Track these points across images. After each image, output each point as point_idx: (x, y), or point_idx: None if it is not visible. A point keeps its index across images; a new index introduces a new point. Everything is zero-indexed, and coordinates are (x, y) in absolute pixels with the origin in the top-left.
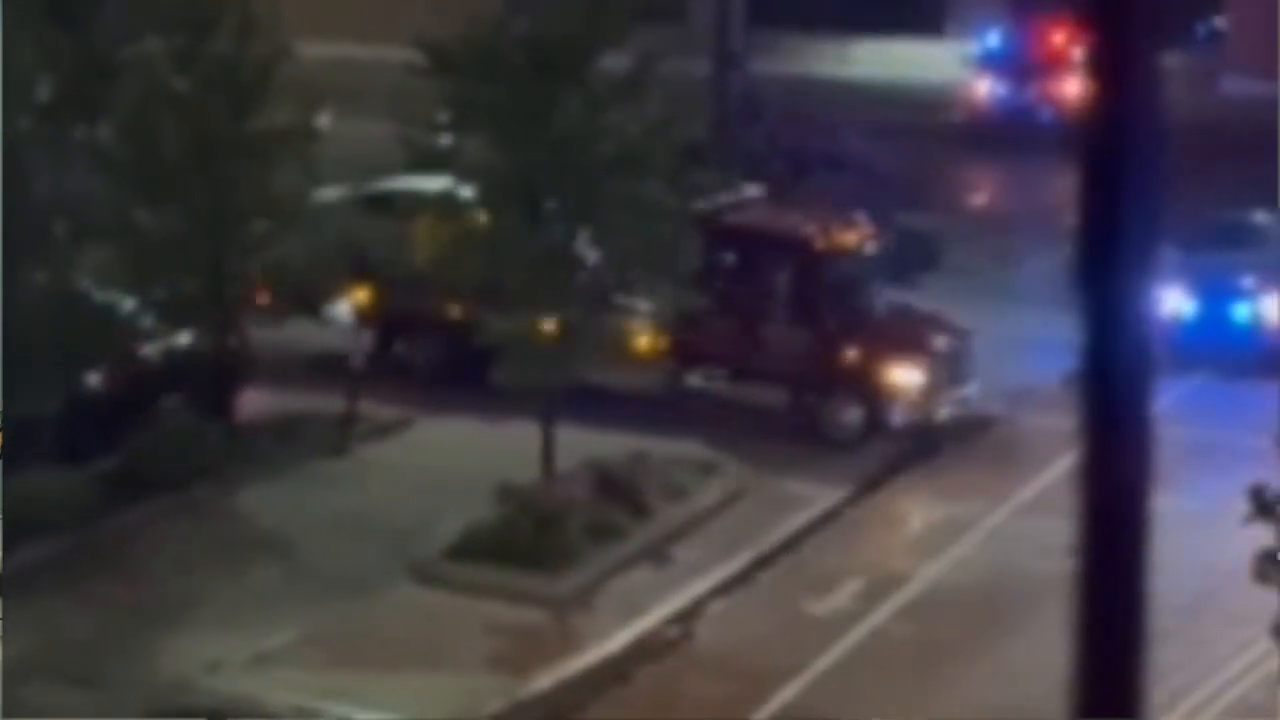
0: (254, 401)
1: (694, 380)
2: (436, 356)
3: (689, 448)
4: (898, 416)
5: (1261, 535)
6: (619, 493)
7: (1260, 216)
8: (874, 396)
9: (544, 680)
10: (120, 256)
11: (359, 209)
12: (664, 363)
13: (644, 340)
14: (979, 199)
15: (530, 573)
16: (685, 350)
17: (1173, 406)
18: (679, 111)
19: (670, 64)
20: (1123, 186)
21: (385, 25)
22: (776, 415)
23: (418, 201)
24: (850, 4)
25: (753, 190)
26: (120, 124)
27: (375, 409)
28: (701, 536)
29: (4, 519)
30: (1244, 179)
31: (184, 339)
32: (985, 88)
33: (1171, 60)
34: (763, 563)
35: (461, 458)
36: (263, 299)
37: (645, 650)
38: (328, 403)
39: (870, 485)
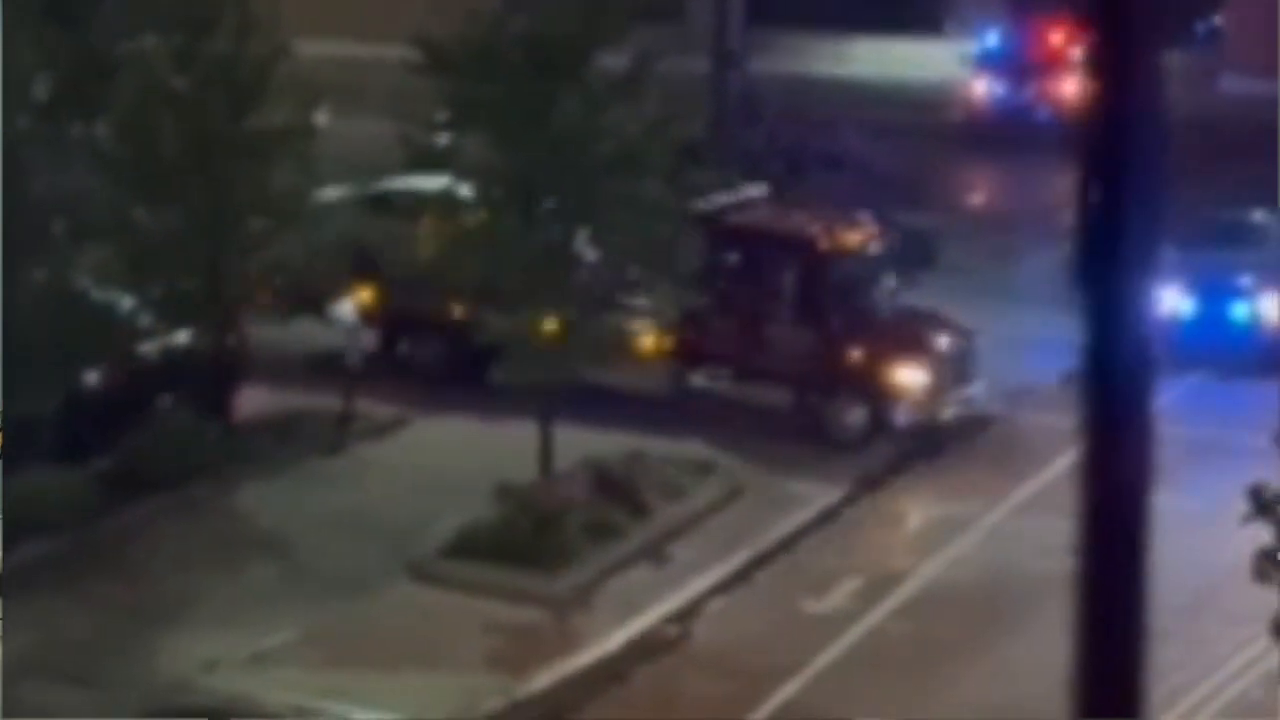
0: (252, 400)
1: (698, 380)
2: (440, 356)
3: (688, 447)
4: (902, 417)
5: (1260, 534)
6: (617, 492)
7: (1259, 215)
8: (878, 397)
9: (542, 679)
10: (119, 255)
11: (363, 208)
12: (668, 363)
13: (648, 340)
14: (977, 198)
15: (528, 572)
16: (689, 350)
17: (1171, 406)
18: (677, 110)
19: (669, 63)
20: (1124, 185)
21: (384, 24)
22: (780, 416)
23: (417, 201)
24: (849, 3)
25: (756, 190)
26: (119, 123)
27: (374, 408)
28: (700, 536)
29: (3, 518)
30: (1243, 178)
31: (182, 338)
32: (983, 87)
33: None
34: (761, 562)
35: (460, 457)
36: (266, 298)
37: (643, 649)
38: (326, 402)
39: (869, 484)
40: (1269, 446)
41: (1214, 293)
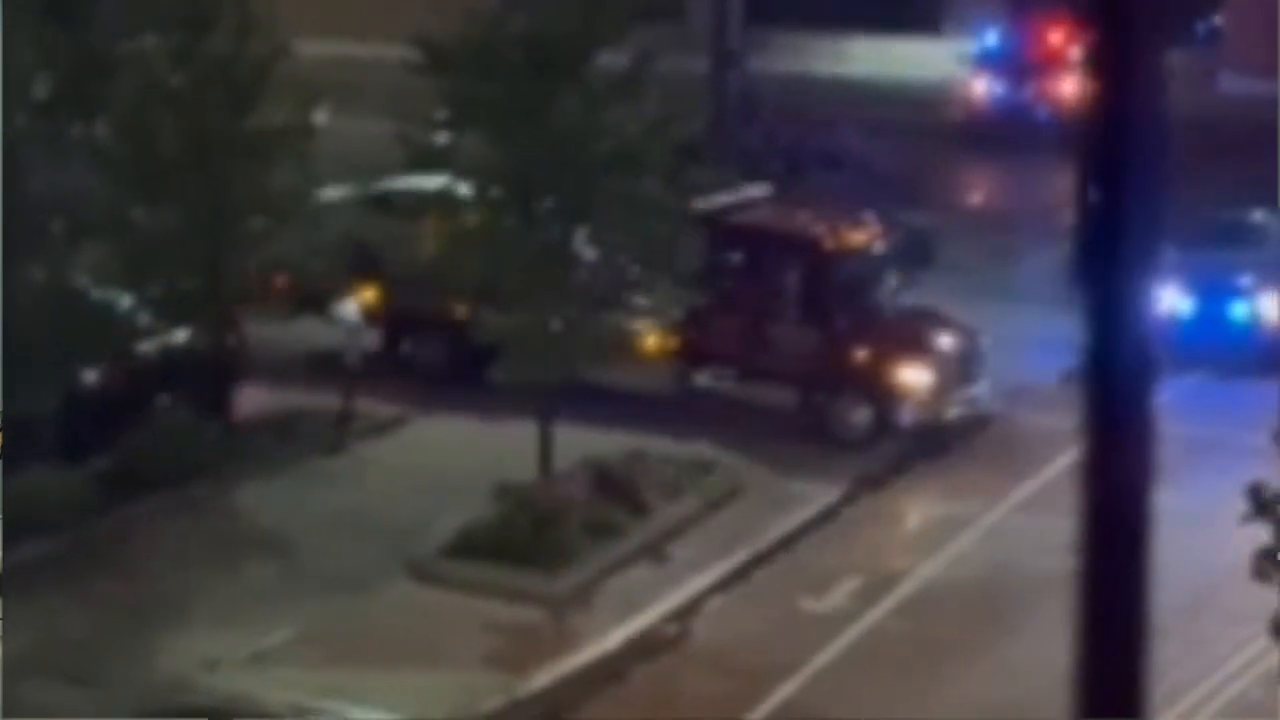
0: (252, 399)
1: (702, 380)
2: (443, 356)
3: (687, 446)
4: (907, 416)
5: (1260, 533)
6: (617, 491)
7: (1258, 215)
8: (883, 396)
9: (541, 678)
10: (117, 254)
11: (366, 208)
12: (672, 363)
13: (652, 340)
14: (976, 197)
15: (528, 571)
16: (693, 350)
17: (1170, 405)
18: (677, 110)
19: (668, 62)
20: (1124, 185)
21: (383, 23)
22: (785, 416)
23: (417, 200)
24: (848, 2)
25: (759, 189)
26: (118, 121)
27: (374, 407)
28: (699, 534)
29: (2, 517)
30: (1242, 177)
31: (181, 337)
32: (982, 86)
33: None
34: (760, 561)
35: (459, 456)
36: (270, 297)
37: (642, 648)
38: (326, 401)
39: (868, 484)
40: (1268, 446)
41: (1213, 292)
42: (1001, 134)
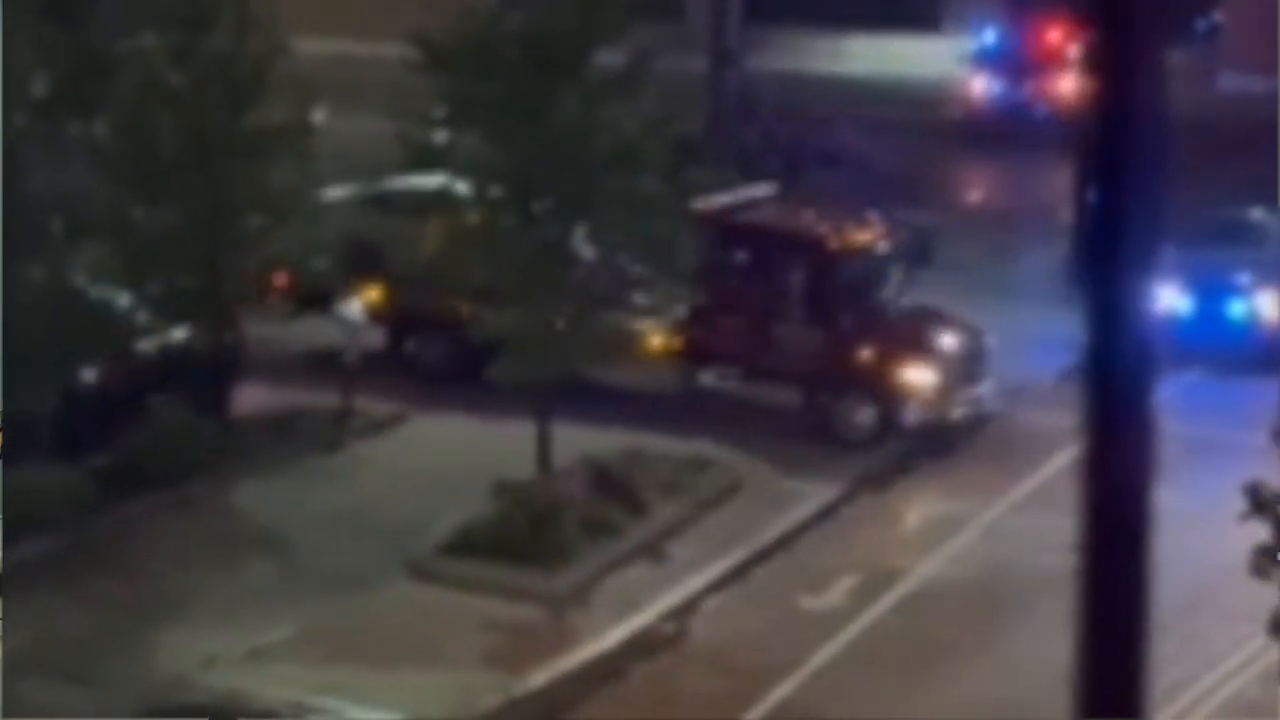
0: (251, 398)
1: (706, 380)
2: (446, 355)
3: (686, 445)
4: (912, 416)
5: (1258, 531)
6: (615, 489)
7: (1257, 213)
8: (887, 396)
9: (539, 676)
10: (116, 253)
11: (370, 207)
12: (676, 362)
13: (656, 340)
14: (975, 196)
15: (526, 569)
16: (698, 349)
17: (1169, 403)
18: (675, 108)
19: (667, 61)
20: (1124, 184)
21: (383, 22)
22: (789, 415)
23: (417, 200)
24: (846, 1)
25: (764, 188)
26: (117, 120)
27: (371, 405)
28: (697, 533)
29: (1, 515)
30: (1242, 176)
31: (180, 335)
32: (981, 84)
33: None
34: (759, 559)
35: (458, 454)
36: (271, 296)
37: (641, 647)
38: (325, 399)
39: (867, 482)
40: (1266, 444)
41: (1212, 290)
42: (1000, 132)
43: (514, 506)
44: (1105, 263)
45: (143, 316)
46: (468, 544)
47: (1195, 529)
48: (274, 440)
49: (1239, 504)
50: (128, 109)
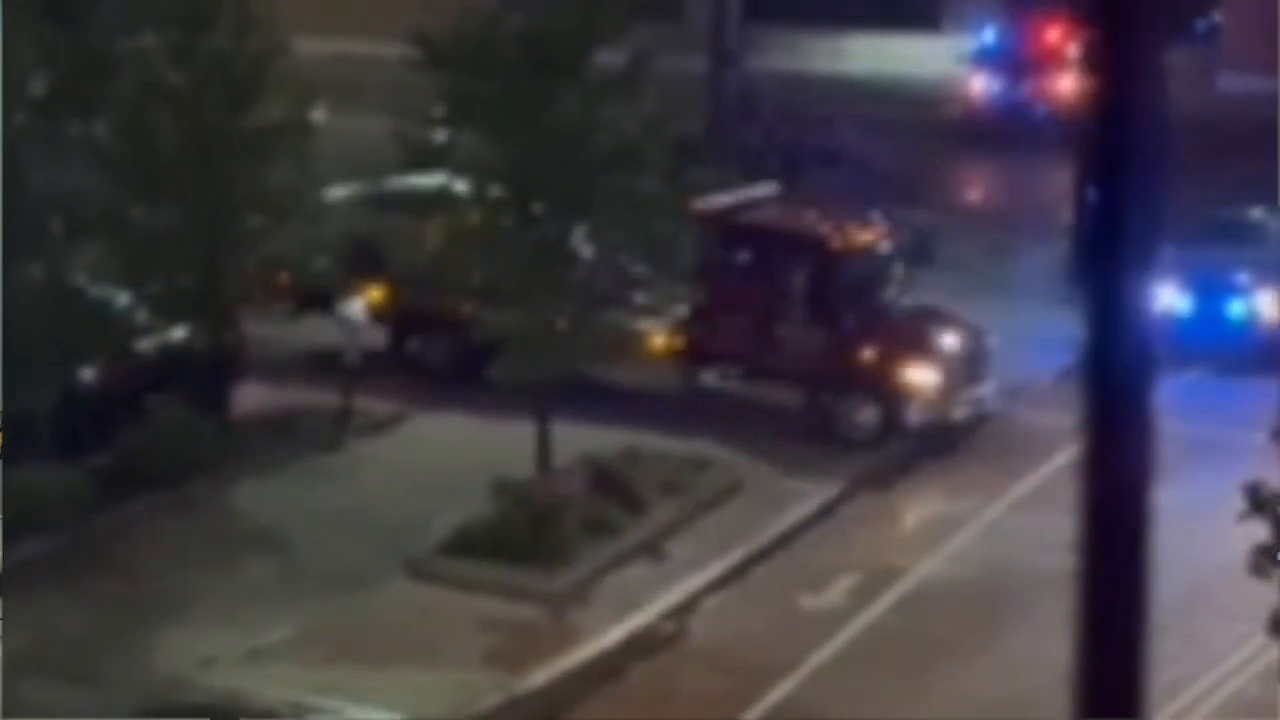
0: (250, 397)
1: (709, 379)
2: (449, 354)
3: (686, 444)
4: (914, 416)
5: (1257, 531)
6: (614, 488)
7: (1257, 213)
8: (890, 396)
9: (539, 676)
10: (116, 252)
11: (370, 207)
12: (679, 362)
13: (658, 339)
14: (974, 195)
15: (525, 568)
16: (700, 349)
17: (1168, 402)
18: (675, 108)
19: (667, 60)
20: (1123, 183)
21: (382, 21)
22: (792, 415)
23: (417, 199)
24: (847, 0)
25: (766, 188)
26: (116, 120)
27: (371, 405)
28: (697, 532)
29: (1, 515)
30: (1241, 175)
31: (180, 335)
32: (980, 84)
33: (1170, 56)
34: (758, 558)
35: (457, 453)
36: (271, 295)
37: (640, 646)
38: (325, 399)
39: (866, 481)
40: (1266, 443)
41: (1211, 290)
42: (999, 131)
43: (514, 506)
44: (1105, 262)
45: (142, 316)
46: (467, 543)
47: (1195, 529)
48: (274, 440)
49: (1238, 504)
50: (128, 109)
